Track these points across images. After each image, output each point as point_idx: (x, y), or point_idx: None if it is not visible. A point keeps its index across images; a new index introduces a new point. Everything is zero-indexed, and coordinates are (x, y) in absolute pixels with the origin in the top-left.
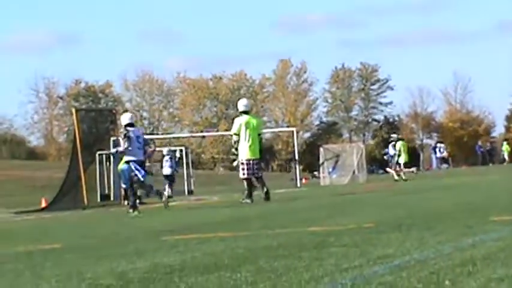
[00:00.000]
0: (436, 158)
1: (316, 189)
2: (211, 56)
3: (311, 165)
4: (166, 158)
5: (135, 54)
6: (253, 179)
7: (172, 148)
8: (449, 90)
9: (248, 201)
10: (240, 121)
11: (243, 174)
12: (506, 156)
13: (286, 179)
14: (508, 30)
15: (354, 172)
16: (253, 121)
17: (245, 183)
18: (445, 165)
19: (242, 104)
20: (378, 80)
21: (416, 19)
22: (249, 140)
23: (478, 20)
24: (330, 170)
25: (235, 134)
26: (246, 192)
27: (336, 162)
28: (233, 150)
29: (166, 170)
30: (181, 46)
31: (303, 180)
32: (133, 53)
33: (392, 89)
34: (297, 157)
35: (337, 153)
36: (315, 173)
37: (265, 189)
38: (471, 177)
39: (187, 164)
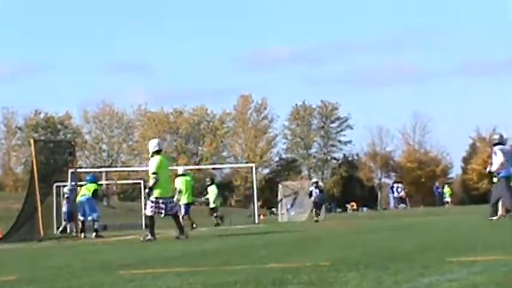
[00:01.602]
0: (394, 197)
1: (274, 225)
2: (172, 90)
3: (269, 201)
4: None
5: (96, 86)
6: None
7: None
8: (408, 130)
9: (151, 238)
10: (157, 160)
11: (148, 212)
12: (448, 199)
13: (244, 215)
14: (468, 71)
15: (312, 210)
16: (166, 161)
17: (149, 220)
18: (402, 205)
19: (156, 144)
20: (338, 118)
21: (377, 58)
22: (162, 179)
23: (439, 60)
24: (288, 206)
25: (154, 173)
26: (150, 229)
27: (295, 199)
28: (148, 190)
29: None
30: (143, 79)
31: (261, 217)
32: (94, 85)
33: (351, 127)
34: (255, 194)
35: (296, 190)
36: (273, 209)
37: (179, 229)
38: (428, 218)
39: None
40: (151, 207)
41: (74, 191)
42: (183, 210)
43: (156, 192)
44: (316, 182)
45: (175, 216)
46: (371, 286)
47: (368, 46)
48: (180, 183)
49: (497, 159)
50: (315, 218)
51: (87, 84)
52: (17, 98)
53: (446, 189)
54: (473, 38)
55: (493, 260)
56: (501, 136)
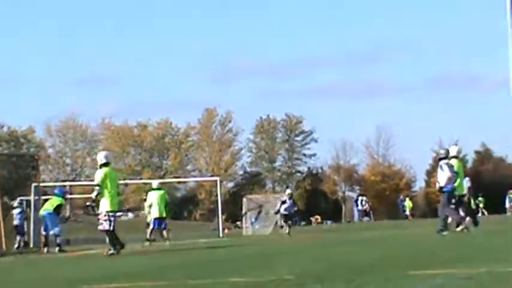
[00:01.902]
0: (358, 210)
1: (239, 239)
2: (137, 103)
3: (234, 215)
4: (17, 210)
5: (59, 99)
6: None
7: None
8: (372, 144)
9: (114, 251)
10: (103, 172)
11: (106, 226)
12: (408, 212)
13: (208, 228)
14: (431, 85)
15: (276, 223)
16: (114, 173)
17: (108, 235)
18: (366, 218)
19: (103, 156)
20: (302, 132)
21: (342, 71)
22: (111, 192)
23: (402, 74)
24: (253, 220)
25: (97, 185)
26: (111, 243)
27: (259, 212)
28: (91, 202)
29: (16, 221)
30: (107, 92)
31: (226, 231)
32: (57, 99)
33: (316, 141)
34: (220, 207)
35: (261, 204)
36: (238, 223)
37: (119, 245)
38: (392, 231)
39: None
40: (107, 221)
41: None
42: (153, 225)
43: (106, 206)
44: (291, 194)
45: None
46: None
47: (333, 60)
48: (153, 197)
49: (444, 174)
50: (287, 231)
51: (50, 98)
52: None
53: (407, 203)
54: (436, 53)
55: (454, 273)
56: (447, 151)
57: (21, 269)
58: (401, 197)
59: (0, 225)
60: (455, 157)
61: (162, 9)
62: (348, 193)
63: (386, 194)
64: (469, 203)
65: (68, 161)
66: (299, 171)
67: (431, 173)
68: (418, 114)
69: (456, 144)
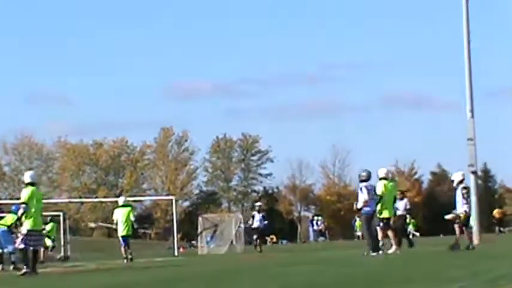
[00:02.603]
0: (314, 230)
1: (194, 258)
2: (92, 122)
3: (189, 234)
4: None
5: (16, 116)
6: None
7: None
8: (328, 164)
9: (27, 270)
10: (28, 191)
11: (21, 244)
12: (359, 233)
13: (163, 247)
14: (387, 105)
15: (232, 242)
16: (39, 193)
17: (21, 254)
18: (322, 238)
19: (28, 176)
20: (258, 151)
21: (298, 92)
22: (33, 211)
23: (359, 94)
24: (208, 239)
25: (24, 203)
26: (23, 263)
27: (215, 231)
28: (16, 220)
29: None
30: (64, 110)
31: (181, 249)
32: (13, 115)
33: (272, 160)
34: (175, 226)
35: (216, 223)
36: (193, 242)
37: (33, 265)
38: (347, 251)
39: (64, 229)
40: (23, 240)
41: None
42: (121, 242)
43: (27, 225)
44: (260, 206)
45: (36, 252)
46: None
47: (288, 80)
48: (118, 214)
49: (362, 196)
50: (258, 249)
51: (6, 116)
52: None
53: (357, 223)
54: (392, 73)
55: None
56: (368, 173)
57: None
58: (356, 217)
59: None
60: (385, 178)
61: (115, 27)
62: (303, 213)
63: (341, 214)
64: (405, 223)
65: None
66: (255, 191)
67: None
68: (374, 133)
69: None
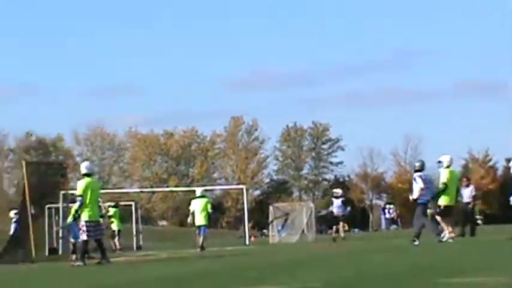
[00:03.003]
0: (386, 219)
1: (265, 247)
2: (163, 112)
3: (260, 223)
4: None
5: (88, 107)
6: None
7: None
8: (399, 151)
9: (81, 263)
10: (84, 183)
11: (84, 236)
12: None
13: (234, 236)
14: (461, 92)
15: (303, 231)
16: (95, 184)
17: (81, 245)
18: (394, 226)
19: (85, 167)
20: (329, 140)
21: (369, 79)
22: (90, 202)
23: (432, 81)
24: (279, 228)
25: (80, 195)
26: (79, 254)
27: (286, 220)
28: (74, 213)
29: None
30: (135, 101)
31: (252, 238)
32: (85, 107)
33: (343, 149)
34: (246, 215)
35: (287, 212)
36: (264, 231)
37: (102, 254)
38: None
39: (136, 219)
40: (84, 231)
41: (65, 213)
42: (199, 232)
43: (85, 216)
44: (338, 193)
45: (100, 241)
46: None
47: (359, 68)
48: (195, 205)
49: (417, 185)
50: (334, 235)
51: (78, 107)
52: (9, 120)
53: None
54: (465, 59)
55: (482, 282)
56: (422, 163)
57: (49, 277)
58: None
59: (30, 233)
60: (448, 166)
61: (187, 16)
62: (375, 201)
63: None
64: (473, 211)
65: (95, 169)
66: (326, 179)
67: (460, 181)
68: (446, 121)
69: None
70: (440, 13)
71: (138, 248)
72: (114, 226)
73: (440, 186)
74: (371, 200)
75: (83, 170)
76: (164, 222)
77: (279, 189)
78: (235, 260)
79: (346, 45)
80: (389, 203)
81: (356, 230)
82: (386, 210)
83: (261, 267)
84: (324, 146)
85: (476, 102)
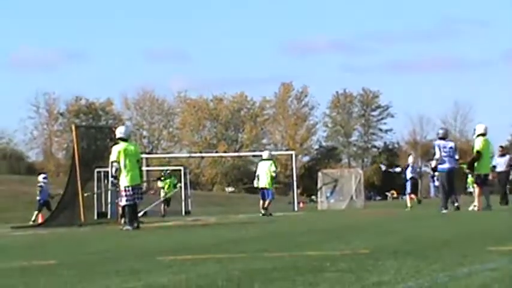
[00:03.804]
0: (435, 186)
1: (314, 213)
2: (213, 77)
3: (309, 189)
4: (41, 184)
5: (137, 72)
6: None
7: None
8: (449, 119)
9: (129, 227)
10: (119, 148)
11: (123, 201)
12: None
13: (284, 202)
14: (509, 58)
15: (351, 198)
16: (131, 148)
17: (126, 209)
18: None
19: (119, 132)
20: (379, 107)
21: (419, 47)
22: (127, 167)
23: (481, 48)
24: (328, 194)
25: (114, 161)
26: (127, 219)
27: (334, 187)
28: (112, 179)
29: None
30: (184, 66)
31: (301, 204)
32: (135, 72)
33: (392, 116)
34: (295, 181)
35: (336, 178)
36: (313, 197)
37: (139, 219)
38: (468, 206)
39: (185, 184)
40: (124, 196)
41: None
42: (264, 195)
43: (125, 181)
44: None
45: (135, 206)
46: (409, 275)
47: (409, 35)
48: (261, 167)
49: (436, 155)
50: (418, 198)
51: (128, 71)
52: (58, 84)
53: (469, 179)
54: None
55: None
56: (445, 131)
57: (98, 240)
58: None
59: (79, 196)
60: (483, 134)
61: None
62: (424, 169)
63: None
64: (507, 180)
65: (145, 133)
66: (375, 147)
67: (509, 148)
68: (496, 89)
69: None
70: None
71: (187, 213)
72: (163, 192)
73: (475, 154)
74: (420, 168)
75: (118, 135)
76: (230, 189)
77: (328, 156)
78: (284, 225)
79: (397, 12)
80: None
81: (405, 197)
82: (435, 178)
83: (311, 232)
84: (374, 113)
85: None
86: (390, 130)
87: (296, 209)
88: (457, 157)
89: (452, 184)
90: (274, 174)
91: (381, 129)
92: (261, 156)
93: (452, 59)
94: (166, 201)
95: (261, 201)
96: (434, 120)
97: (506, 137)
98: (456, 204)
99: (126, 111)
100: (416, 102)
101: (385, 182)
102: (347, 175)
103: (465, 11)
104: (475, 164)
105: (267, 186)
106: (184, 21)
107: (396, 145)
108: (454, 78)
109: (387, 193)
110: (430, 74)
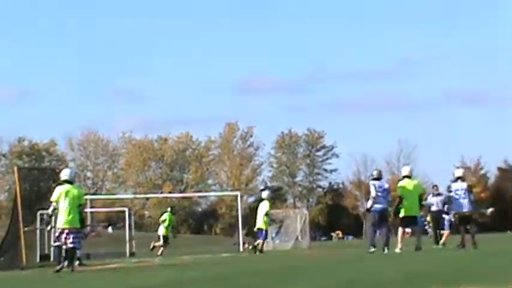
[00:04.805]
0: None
1: (259, 254)
2: (158, 117)
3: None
4: None
5: (81, 113)
6: None
7: None
8: (393, 159)
9: (57, 267)
10: (61, 190)
11: (55, 241)
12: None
13: (229, 243)
14: (453, 101)
15: (297, 238)
16: (75, 191)
17: (57, 251)
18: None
19: (65, 174)
20: (324, 147)
21: (364, 87)
22: (67, 209)
23: (425, 89)
24: (273, 235)
25: (54, 201)
26: (60, 259)
27: (280, 227)
28: (46, 217)
29: None
30: (129, 106)
31: (246, 245)
32: (78, 112)
33: (337, 156)
34: (240, 222)
35: (281, 219)
36: None
37: (75, 262)
38: (413, 246)
39: (129, 225)
40: (59, 238)
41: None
42: (259, 235)
43: (61, 223)
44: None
45: (72, 249)
46: None
47: (353, 75)
48: (265, 207)
49: (371, 194)
50: (442, 241)
51: (71, 112)
52: (1, 125)
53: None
54: (458, 68)
55: None
56: (379, 172)
57: (40, 283)
58: (421, 212)
59: (21, 239)
60: (408, 177)
61: (181, 27)
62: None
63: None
64: (439, 221)
65: (89, 174)
66: (320, 187)
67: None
68: (439, 129)
69: (408, 164)
70: (434, 24)
71: (131, 254)
72: (161, 231)
73: (398, 198)
74: (365, 207)
75: (63, 177)
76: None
77: (273, 196)
78: (229, 267)
79: (342, 53)
80: None
81: (350, 237)
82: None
83: (256, 274)
84: (319, 153)
85: (468, 111)
86: (335, 170)
87: (241, 249)
88: (390, 199)
89: (384, 224)
90: (264, 215)
91: (325, 169)
92: (205, 197)
93: (396, 99)
94: (165, 240)
95: (257, 241)
96: (378, 160)
97: (449, 177)
98: (386, 251)
99: (70, 152)
100: (360, 142)
101: (330, 222)
102: (292, 215)
103: (409, 51)
104: (400, 207)
105: (261, 227)
106: (129, 61)
107: (341, 185)
108: (398, 118)
109: (332, 233)
110: (375, 114)
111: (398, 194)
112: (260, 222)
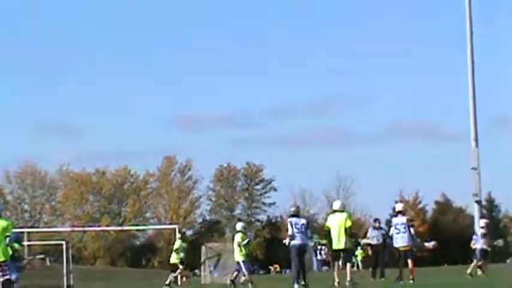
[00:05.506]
0: (317, 260)
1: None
2: (96, 150)
3: (193, 262)
4: None
5: (18, 145)
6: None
7: None
8: (332, 193)
9: None
10: None
11: None
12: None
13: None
14: (393, 135)
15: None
16: (2, 223)
17: None
18: (325, 268)
19: None
20: (262, 180)
21: (303, 121)
22: None
23: (362, 124)
24: (212, 268)
25: None
26: None
27: (218, 260)
28: None
29: None
30: (66, 139)
31: (184, 279)
32: (16, 145)
33: (276, 189)
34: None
35: (219, 252)
36: (196, 271)
37: None
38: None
39: (67, 258)
40: None
41: None
42: (241, 267)
43: None
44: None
45: (8, 281)
46: None
47: (292, 110)
48: (235, 240)
49: (288, 231)
50: (481, 271)
51: (9, 144)
52: None
53: (359, 251)
54: (397, 103)
55: None
56: (297, 208)
57: None
58: (359, 248)
59: None
60: (338, 211)
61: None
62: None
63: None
64: (379, 254)
65: (26, 207)
66: (258, 220)
67: (391, 222)
68: (378, 163)
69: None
70: (372, 57)
71: (68, 287)
72: (173, 259)
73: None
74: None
75: None
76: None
77: (212, 229)
78: None
79: (280, 87)
80: (322, 245)
81: (288, 270)
82: (318, 252)
83: None
84: (257, 187)
85: (406, 144)
86: (273, 204)
87: (179, 283)
88: (309, 234)
89: (301, 260)
90: (242, 245)
91: (264, 203)
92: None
93: (335, 133)
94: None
95: (246, 273)
96: (316, 193)
97: (388, 211)
98: (303, 283)
99: (7, 185)
100: (299, 176)
101: (268, 255)
102: (230, 249)
103: (348, 86)
104: (330, 240)
105: (238, 260)
106: (66, 93)
107: (279, 219)
108: (337, 152)
109: (270, 267)
110: (314, 148)
111: (326, 226)
112: (237, 255)
